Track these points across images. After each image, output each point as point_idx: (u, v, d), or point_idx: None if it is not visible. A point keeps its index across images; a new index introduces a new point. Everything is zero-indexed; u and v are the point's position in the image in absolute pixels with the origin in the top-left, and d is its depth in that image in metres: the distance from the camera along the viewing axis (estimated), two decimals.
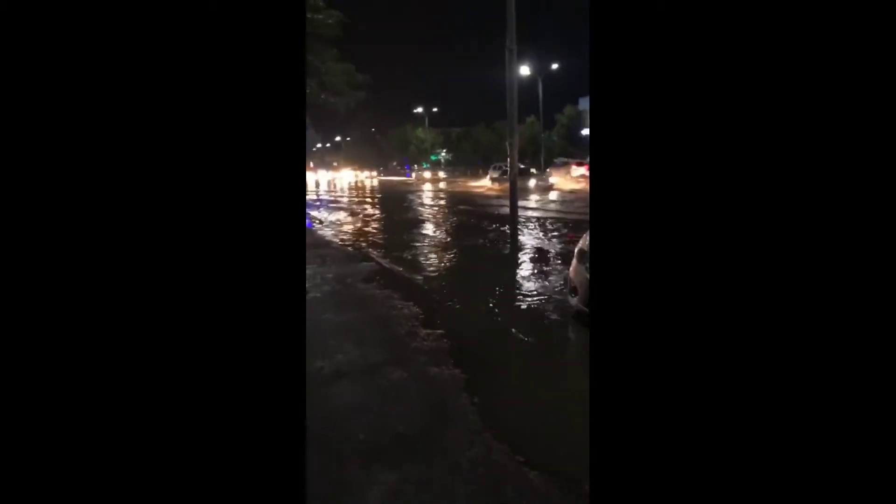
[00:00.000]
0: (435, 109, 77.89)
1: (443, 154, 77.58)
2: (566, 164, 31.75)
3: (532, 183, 29.71)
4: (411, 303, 5.43)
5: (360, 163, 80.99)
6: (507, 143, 10.72)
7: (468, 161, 65.10)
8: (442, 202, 21.29)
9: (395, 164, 78.90)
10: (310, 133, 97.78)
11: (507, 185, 12.16)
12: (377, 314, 5.05)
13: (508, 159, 10.09)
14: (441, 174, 59.36)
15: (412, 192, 29.41)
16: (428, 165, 70.51)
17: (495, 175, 33.20)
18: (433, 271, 7.23)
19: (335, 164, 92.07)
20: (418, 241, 10.05)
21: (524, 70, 41.18)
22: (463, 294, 5.85)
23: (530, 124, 53.81)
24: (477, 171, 51.93)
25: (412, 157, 75.77)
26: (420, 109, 73.76)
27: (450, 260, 8.16)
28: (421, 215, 15.77)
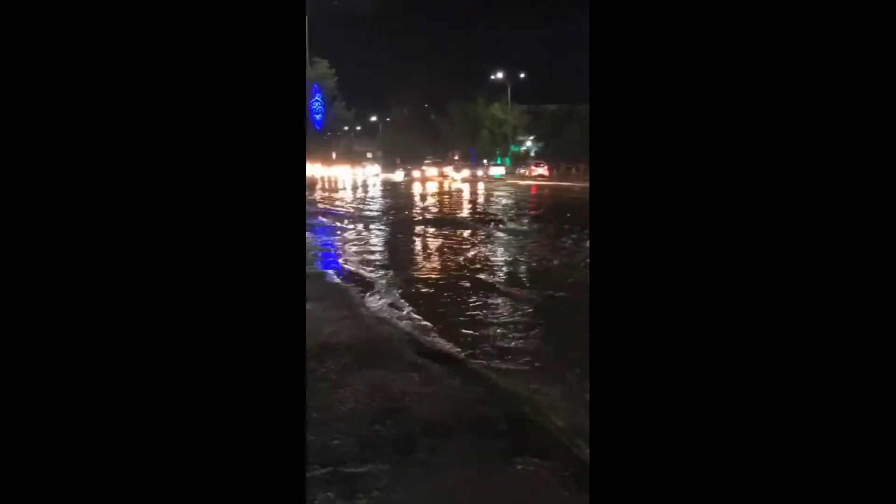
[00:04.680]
0: (522, 76, 51.89)
1: (528, 142, 53.00)
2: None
3: None
4: None
5: (404, 153, 55.16)
6: None
7: (568, 153, 40.58)
8: None
9: (454, 155, 53.88)
10: (337, 108, 66.23)
11: None
12: None
13: None
14: (538, 171, 39.29)
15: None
16: (502, 161, 47.21)
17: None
18: None
19: (369, 154, 66.29)
20: None
21: None
22: None
23: None
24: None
25: (482, 145, 51.35)
26: (500, 75, 50.14)
27: None
28: None
